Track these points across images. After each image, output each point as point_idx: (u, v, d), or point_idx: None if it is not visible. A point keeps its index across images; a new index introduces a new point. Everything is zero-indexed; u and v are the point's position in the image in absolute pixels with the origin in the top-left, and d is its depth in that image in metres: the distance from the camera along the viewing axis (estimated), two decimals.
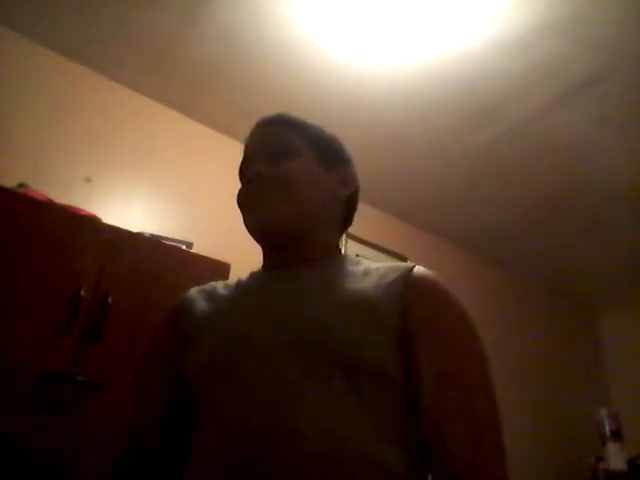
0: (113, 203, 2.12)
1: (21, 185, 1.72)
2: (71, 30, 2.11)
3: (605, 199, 2.78)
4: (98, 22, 2.06)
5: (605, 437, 2.73)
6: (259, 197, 0.77)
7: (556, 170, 2.65)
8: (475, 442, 0.62)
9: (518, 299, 3.56)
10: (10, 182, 1.68)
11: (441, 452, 0.62)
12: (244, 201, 0.81)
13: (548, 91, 2.20)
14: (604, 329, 3.95)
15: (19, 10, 2.02)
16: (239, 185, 0.84)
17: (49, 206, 1.67)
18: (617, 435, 2.71)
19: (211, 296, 0.80)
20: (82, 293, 1.48)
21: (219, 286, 0.83)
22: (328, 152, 0.84)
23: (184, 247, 1.92)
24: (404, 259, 2.93)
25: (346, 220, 0.88)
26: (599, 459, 2.75)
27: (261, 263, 0.84)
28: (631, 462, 2.71)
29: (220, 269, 1.75)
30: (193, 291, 0.83)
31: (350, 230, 0.91)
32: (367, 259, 0.84)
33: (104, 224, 1.70)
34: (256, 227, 0.79)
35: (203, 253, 1.84)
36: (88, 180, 2.10)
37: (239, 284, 0.82)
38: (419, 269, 0.73)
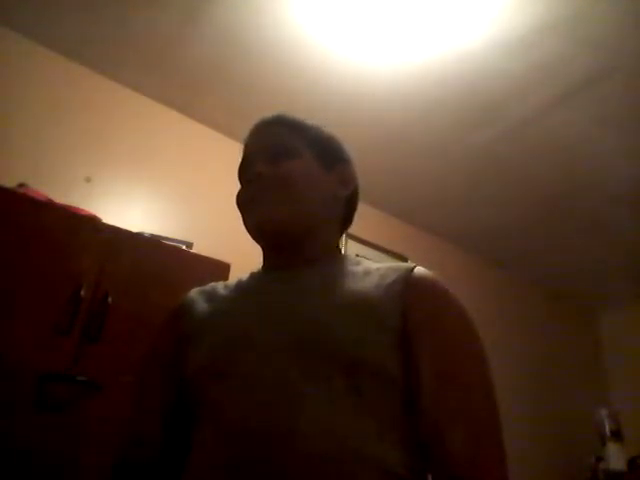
0: (113, 203, 2.12)
1: (21, 185, 1.72)
2: (71, 30, 2.11)
3: (605, 199, 2.78)
4: (98, 22, 2.06)
5: (605, 437, 2.73)
6: (259, 197, 0.77)
7: (556, 170, 2.65)
8: (475, 442, 0.62)
9: (518, 299, 3.56)
10: (10, 182, 1.68)
11: (441, 452, 0.62)
12: (244, 201, 0.81)
13: (548, 91, 2.20)
14: (604, 329, 3.95)
15: (19, 10, 2.02)
16: (239, 185, 0.84)
17: (49, 206, 1.67)
18: (617, 435, 2.72)
19: (211, 297, 0.81)
20: (82, 293, 1.48)
21: (219, 287, 0.83)
22: (328, 152, 0.84)
23: (184, 247, 1.92)
24: (404, 259, 2.93)
25: (346, 220, 0.88)
26: (599, 459, 2.76)
27: (261, 263, 0.84)
28: (631, 462, 2.72)
29: (220, 269, 1.75)
30: (193, 292, 0.83)
31: (350, 230, 0.91)
32: (367, 259, 0.84)
33: (104, 224, 1.70)
34: (256, 227, 0.79)
35: (203, 253, 1.84)
36: (88, 180, 2.10)
37: (239, 284, 0.82)
38: (419, 269, 0.73)
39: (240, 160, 0.86)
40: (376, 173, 2.67)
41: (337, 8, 1.92)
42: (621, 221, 2.90)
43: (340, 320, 0.66)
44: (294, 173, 0.78)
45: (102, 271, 1.55)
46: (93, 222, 1.69)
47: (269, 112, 0.87)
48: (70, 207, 1.72)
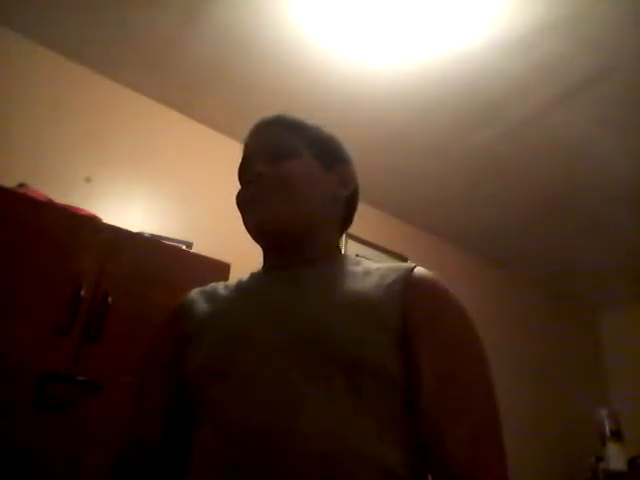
0: (113, 203, 2.12)
1: (21, 185, 1.72)
2: (71, 30, 2.11)
3: (605, 199, 2.78)
4: (98, 22, 2.06)
5: (605, 437, 2.73)
6: (259, 197, 0.77)
7: (556, 170, 2.65)
8: (475, 442, 0.62)
9: (518, 299, 3.56)
10: (10, 182, 1.68)
11: (441, 452, 0.62)
12: (244, 202, 0.81)
13: (548, 91, 2.20)
14: (604, 329, 3.95)
15: (19, 10, 2.02)
16: (239, 185, 0.84)
17: (49, 206, 1.67)
18: (617, 435, 2.72)
19: (211, 297, 0.81)
20: (82, 293, 1.48)
21: (220, 287, 0.83)
22: (327, 152, 0.84)
23: (184, 247, 1.92)
24: (404, 259, 2.93)
25: (346, 220, 0.88)
26: (599, 459, 2.76)
27: (261, 263, 0.84)
28: (631, 462, 2.72)
29: (220, 269, 1.75)
30: (194, 292, 0.83)
31: (350, 230, 0.91)
32: (367, 259, 0.84)
33: (104, 224, 1.70)
34: (256, 227, 0.79)
35: (203, 253, 1.84)
36: (88, 180, 2.10)
37: (239, 285, 0.82)
38: (419, 270, 0.73)
39: (240, 160, 0.86)
40: (376, 173, 2.67)
41: (337, 8, 1.92)
42: (621, 221, 2.90)
43: (340, 320, 0.66)
44: (294, 173, 0.78)
45: (102, 271, 1.55)
46: (93, 222, 1.69)
47: (269, 112, 0.87)
48: (70, 207, 1.72)
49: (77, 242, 1.56)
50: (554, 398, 3.32)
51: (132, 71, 2.28)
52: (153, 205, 2.27)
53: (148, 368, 0.81)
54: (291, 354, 0.64)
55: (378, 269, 0.75)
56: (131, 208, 2.19)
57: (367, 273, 0.74)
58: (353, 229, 0.94)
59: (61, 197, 1.79)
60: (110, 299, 1.51)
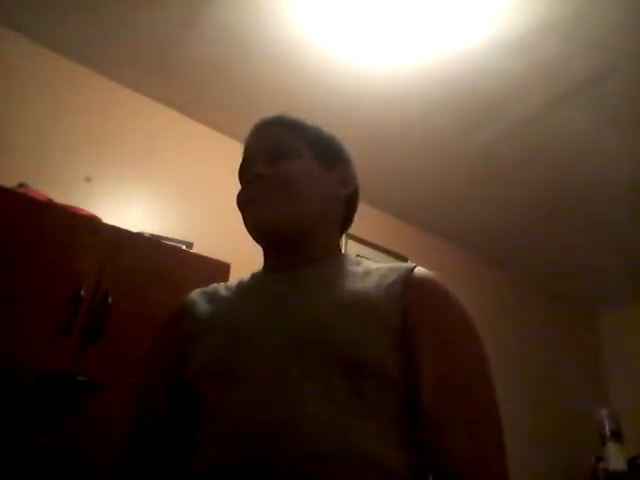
0: (113, 203, 2.12)
1: (21, 185, 1.72)
2: (71, 30, 2.11)
3: (605, 199, 2.78)
4: (98, 22, 2.06)
5: (605, 437, 2.73)
6: (259, 198, 0.77)
7: (556, 170, 2.65)
8: (476, 442, 0.62)
9: (518, 299, 3.56)
10: (10, 182, 1.68)
11: (441, 452, 0.62)
12: (244, 202, 0.81)
13: (548, 91, 2.20)
14: (604, 329, 3.95)
15: (19, 10, 2.02)
16: (239, 185, 0.84)
17: (49, 206, 1.67)
18: (617, 435, 2.72)
19: (212, 297, 0.81)
20: (82, 293, 1.48)
21: (220, 288, 0.83)
22: (327, 152, 0.84)
23: (184, 247, 1.92)
24: (404, 259, 2.93)
25: (346, 220, 0.88)
26: (599, 459, 2.76)
27: (261, 264, 0.84)
28: (631, 462, 2.72)
29: (220, 269, 1.75)
30: (194, 293, 0.83)
31: (350, 230, 0.91)
32: (367, 259, 0.84)
33: (104, 224, 1.70)
34: (256, 227, 0.79)
35: (203, 253, 1.84)
36: (88, 180, 2.10)
37: (240, 285, 0.82)
38: (420, 269, 0.73)
39: (240, 160, 0.86)
40: (376, 173, 2.67)
41: (337, 8, 1.92)
42: (621, 221, 2.90)
43: (340, 320, 0.66)
44: (294, 173, 0.78)
45: (102, 271, 1.55)
46: (93, 222, 1.69)
47: (269, 112, 0.87)
48: (70, 207, 1.72)
49: (77, 242, 1.56)
50: (554, 398, 3.32)
51: (132, 71, 2.28)
52: (153, 205, 2.27)
53: (149, 368, 0.81)
54: (291, 354, 0.64)
55: (378, 269, 0.75)
56: (131, 208, 2.19)
57: (367, 273, 0.74)
58: (353, 229, 0.94)
59: (61, 197, 1.79)
60: (110, 299, 1.52)
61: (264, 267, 0.83)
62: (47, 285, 1.46)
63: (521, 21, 1.91)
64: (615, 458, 2.67)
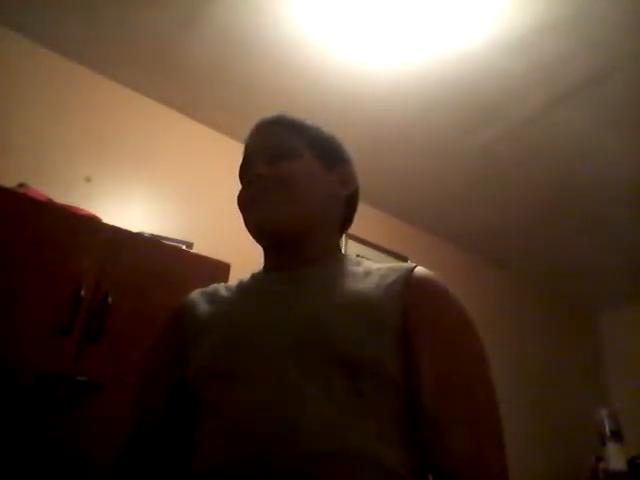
0: (113, 203, 2.12)
1: (21, 185, 1.72)
2: (71, 30, 2.11)
3: (605, 199, 2.78)
4: (98, 22, 2.06)
5: (605, 437, 2.72)
6: (259, 198, 0.77)
7: (556, 170, 2.65)
8: (476, 442, 0.62)
9: (518, 299, 3.56)
10: (10, 182, 1.68)
11: (441, 452, 0.62)
12: (244, 202, 0.81)
13: (548, 91, 2.20)
14: (604, 329, 3.94)
15: (19, 10, 2.02)
16: (239, 185, 0.84)
17: (49, 206, 1.67)
18: (617, 435, 2.71)
19: (213, 298, 0.81)
20: (82, 293, 1.48)
21: (221, 288, 0.83)
22: (328, 152, 0.84)
23: (184, 247, 1.92)
24: (404, 259, 2.93)
25: (346, 220, 0.88)
26: (599, 459, 2.75)
27: (261, 264, 0.84)
28: (631, 462, 2.72)
29: (220, 269, 1.75)
30: (195, 293, 0.83)
31: (350, 230, 0.91)
32: (367, 259, 0.84)
33: (104, 224, 1.70)
34: (256, 227, 0.79)
35: (203, 253, 1.84)
36: (88, 180, 2.10)
37: (240, 285, 0.82)
38: (420, 269, 0.73)
39: (241, 161, 0.86)
40: (376, 173, 2.67)
41: (337, 8, 1.92)
42: (621, 221, 2.90)
43: (340, 320, 0.66)
44: (294, 173, 0.78)
45: (102, 271, 1.55)
46: (93, 222, 1.69)
47: (269, 112, 0.87)
48: (70, 207, 1.72)
49: (77, 242, 1.56)
50: (554, 398, 3.32)
51: (132, 71, 2.28)
52: (153, 205, 2.27)
53: (149, 368, 0.81)
54: (291, 354, 0.64)
55: (378, 269, 0.75)
56: (131, 208, 2.19)
57: (367, 273, 0.74)
58: (353, 229, 0.94)
59: (61, 197, 1.79)
60: (110, 299, 1.52)
61: (264, 267, 0.83)
62: (47, 285, 1.46)
63: (521, 21, 1.91)
64: (615, 458, 2.66)
